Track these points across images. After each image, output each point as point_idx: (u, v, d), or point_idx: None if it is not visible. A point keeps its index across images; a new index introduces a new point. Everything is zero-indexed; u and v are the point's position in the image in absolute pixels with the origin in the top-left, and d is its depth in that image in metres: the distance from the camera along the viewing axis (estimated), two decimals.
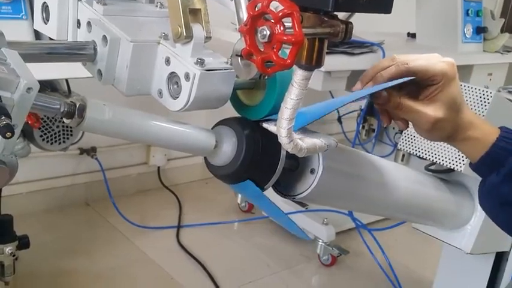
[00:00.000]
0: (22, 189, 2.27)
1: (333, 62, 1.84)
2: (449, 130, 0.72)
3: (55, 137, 1.45)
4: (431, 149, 1.07)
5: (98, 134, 0.64)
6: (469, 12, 2.48)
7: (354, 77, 1.95)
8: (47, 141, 1.44)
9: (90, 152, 2.39)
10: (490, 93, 0.95)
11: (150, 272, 2.06)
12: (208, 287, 2.02)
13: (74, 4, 0.71)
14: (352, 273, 2.25)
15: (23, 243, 1.62)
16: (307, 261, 2.29)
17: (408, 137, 1.11)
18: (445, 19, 2.50)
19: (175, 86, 0.66)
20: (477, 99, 0.96)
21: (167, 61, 0.66)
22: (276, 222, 2.43)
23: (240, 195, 2.60)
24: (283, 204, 2.24)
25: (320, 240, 2.25)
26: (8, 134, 0.50)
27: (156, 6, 0.76)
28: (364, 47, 2.00)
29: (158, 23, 0.72)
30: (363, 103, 2.72)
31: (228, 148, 0.70)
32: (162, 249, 2.22)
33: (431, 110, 0.70)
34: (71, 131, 1.48)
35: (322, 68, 1.78)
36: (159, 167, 2.71)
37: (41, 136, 1.42)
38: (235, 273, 2.15)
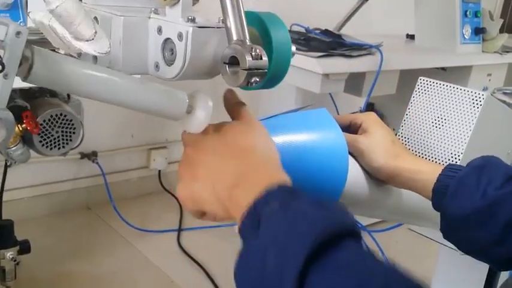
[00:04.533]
0: (23, 194, 2.28)
1: (331, 64, 1.84)
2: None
3: (54, 142, 1.45)
4: (426, 150, 1.07)
5: (46, 86, 0.60)
6: (468, 13, 2.49)
7: (352, 79, 1.96)
8: (47, 147, 1.44)
9: (91, 156, 2.40)
10: (482, 95, 0.95)
11: (151, 276, 2.07)
12: None
13: None
14: None
15: (24, 248, 1.62)
16: None
17: (403, 138, 1.11)
18: (444, 20, 2.50)
19: (170, 53, 0.66)
20: (469, 102, 0.97)
21: (159, 30, 0.67)
22: None
23: None
24: None
25: None
26: None
27: None
28: (363, 49, 2.00)
29: (148, 6, 0.72)
30: (362, 104, 2.71)
31: (201, 113, 0.65)
32: (163, 253, 2.23)
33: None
34: (71, 136, 1.48)
35: (320, 71, 1.80)
36: (159, 171, 2.72)
37: (41, 141, 1.42)
38: None
